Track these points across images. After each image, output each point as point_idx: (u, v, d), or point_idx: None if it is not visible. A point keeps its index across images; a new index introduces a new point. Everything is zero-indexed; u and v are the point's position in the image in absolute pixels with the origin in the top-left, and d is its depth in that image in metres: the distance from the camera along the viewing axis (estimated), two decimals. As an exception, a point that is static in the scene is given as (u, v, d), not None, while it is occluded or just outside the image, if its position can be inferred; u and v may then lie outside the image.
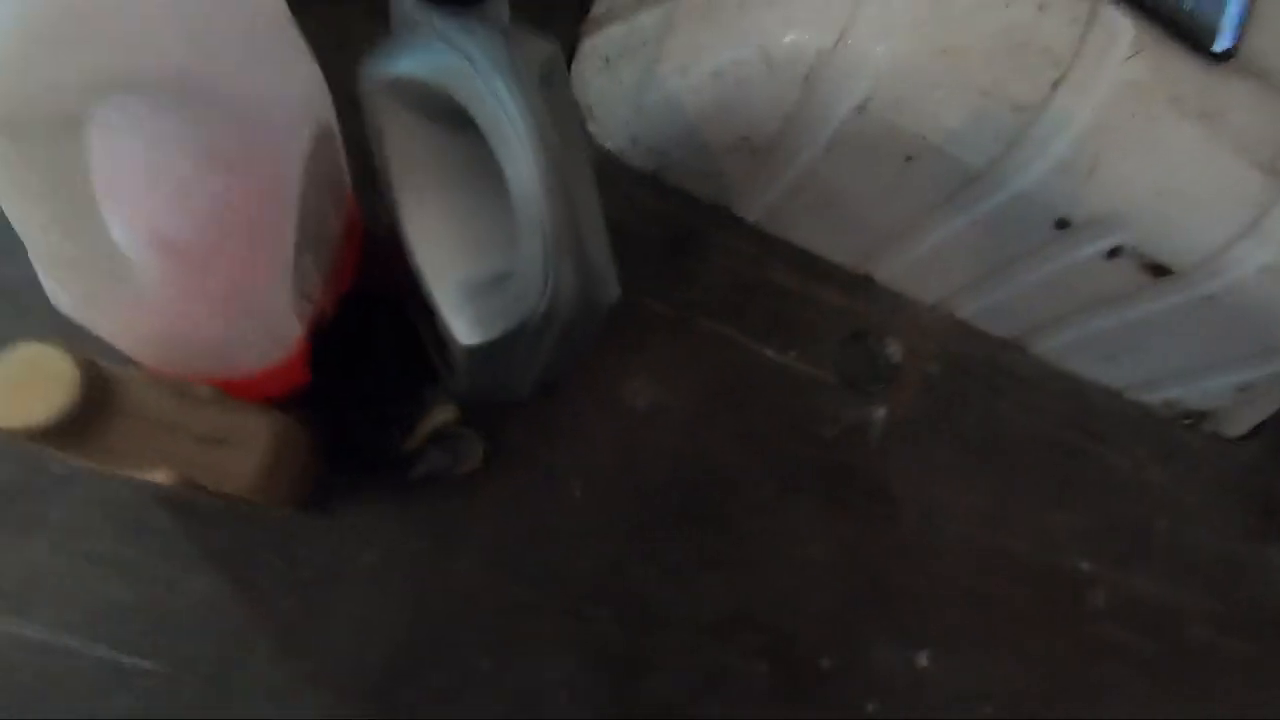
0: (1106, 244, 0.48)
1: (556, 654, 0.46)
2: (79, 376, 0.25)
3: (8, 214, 0.24)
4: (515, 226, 0.28)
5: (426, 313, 0.41)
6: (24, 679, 0.39)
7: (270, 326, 0.33)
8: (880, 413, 0.60)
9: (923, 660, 0.54)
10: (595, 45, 0.59)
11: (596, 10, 0.61)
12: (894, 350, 0.62)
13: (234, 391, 0.34)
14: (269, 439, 0.31)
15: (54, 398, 0.25)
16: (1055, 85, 0.40)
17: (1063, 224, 0.48)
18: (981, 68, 0.41)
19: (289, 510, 0.41)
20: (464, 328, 0.33)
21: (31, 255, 0.25)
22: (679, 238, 0.60)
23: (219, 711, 0.41)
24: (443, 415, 0.43)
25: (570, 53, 0.60)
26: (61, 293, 0.26)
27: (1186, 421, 0.65)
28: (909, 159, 0.48)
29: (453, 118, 0.28)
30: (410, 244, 0.33)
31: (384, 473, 0.45)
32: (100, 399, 0.26)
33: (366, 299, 0.47)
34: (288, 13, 0.29)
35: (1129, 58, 0.42)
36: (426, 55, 0.27)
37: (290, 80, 0.27)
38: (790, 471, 0.55)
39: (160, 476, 0.28)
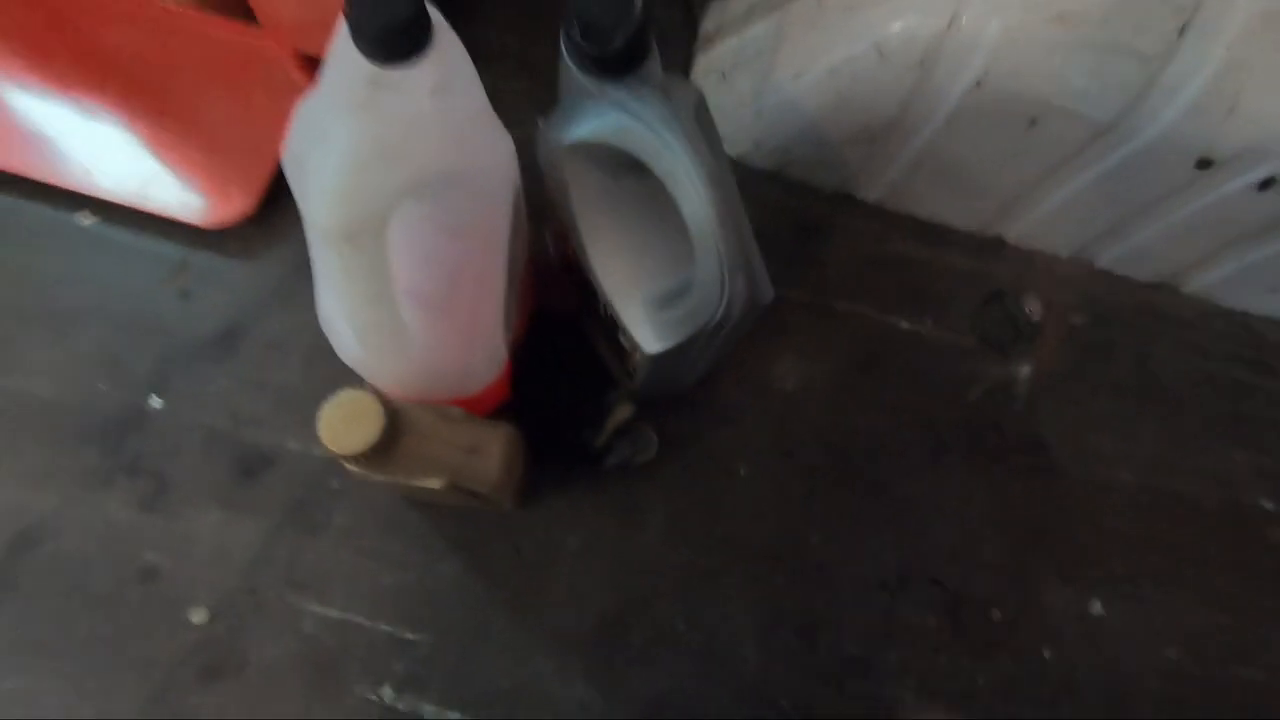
0: (1257, 176, 0.45)
1: (740, 613, 0.50)
2: (384, 410, 0.31)
3: (340, 297, 0.30)
4: (691, 250, 0.31)
5: (603, 328, 0.46)
6: (331, 651, 0.48)
7: (491, 354, 0.38)
8: (1025, 370, 0.58)
9: (1097, 608, 0.52)
10: (710, 61, 0.61)
11: (706, 28, 0.63)
12: (1033, 307, 0.60)
13: (465, 409, 0.40)
14: (505, 444, 0.37)
15: (371, 427, 0.31)
16: (1181, 31, 0.38)
17: (1204, 164, 0.45)
18: (1099, 27, 0.40)
19: (510, 505, 0.48)
20: (649, 338, 0.37)
21: (345, 324, 0.31)
22: (807, 228, 0.61)
23: (476, 673, 0.48)
24: (623, 413, 0.48)
25: (685, 70, 0.62)
26: (355, 348, 0.33)
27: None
28: (1032, 122, 0.47)
29: (624, 163, 0.32)
30: (595, 273, 0.38)
31: (580, 467, 0.51)
32: (396, 424, 0.33)
33: (547, 321, 0.52)
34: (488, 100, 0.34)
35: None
36: (601, 119, 0.31)
37: (498, 155, 0.32)
38: (939, 435, 0.55)
39: (434, 482, 0.35)
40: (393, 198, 0.26)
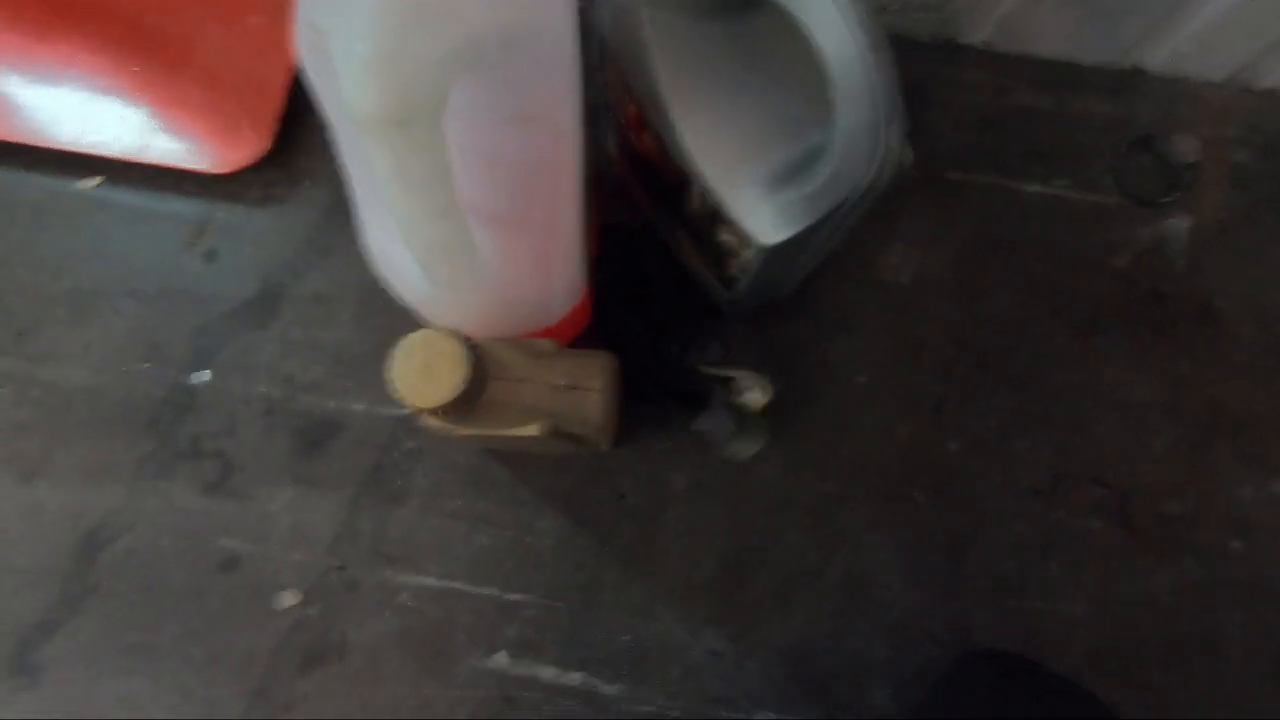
0: None
1: (879, 541, 0.44)
2: (466, 350, 0.25)
3: (397, 214, 0.24)
4: (831, 96, 0.24)
5: (692, 228, 0.38)
6: (435, 622, 0.44)
7: (570, 274, 0.32)
8: (1182, 224, 0.49)
9: (1288, 488, 0.45)
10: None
11: None
12: (1186, 148, 0.50)
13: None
14: (606, 374, 0.31)
15: (455, 373, 0.25)
16: None
17: None
18: None
19: (608, 447, 0.42)
20: (766, 227, 0.29)
21: (409, 248, 0.25)
22: (907, 89, 0.52)
23: (593, 630, 0.43)
24: (754, 398, 0.40)
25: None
26: (417, 281, 0.27)
27: None
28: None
29: (712, 8, 0.24)
30: (689, 154, 0.30)
31: (674, 400, 0.45)
32: (482, 367, 0.27)
33: (618, 236, 0.45)
34: None
35: None
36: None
37: (563, 18, 0.24)
38: (1089, 313, 0.47)
39: (532, 429, 0.29)
40: (445, 65, 0.19)
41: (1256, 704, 0.42)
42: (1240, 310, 0.47)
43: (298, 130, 0.49)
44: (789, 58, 0.28)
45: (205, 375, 0.47)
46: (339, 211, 0.49)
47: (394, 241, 0.25)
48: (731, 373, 0.44)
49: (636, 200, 0.45)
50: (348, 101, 0.19)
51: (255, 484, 0.45)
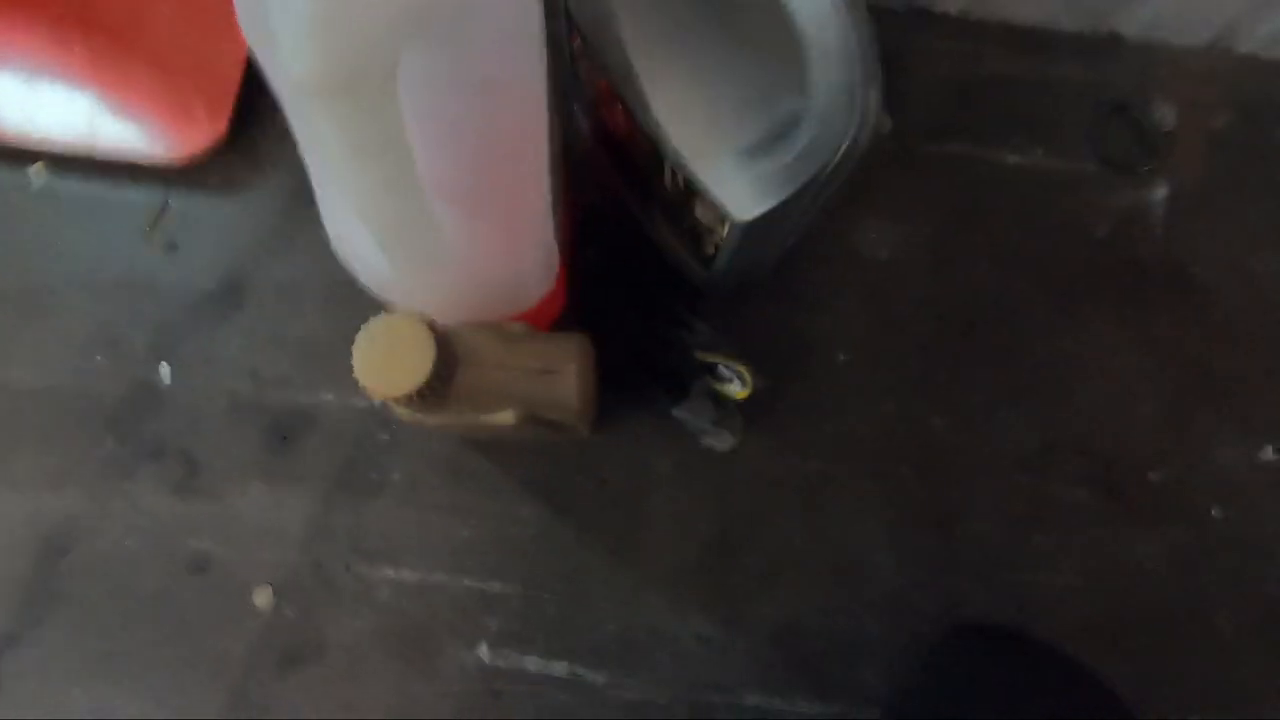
0: None
1: (865, 519, 0.44)
2: (433, 335, 0.24)
3: (349, 184, 0.22)
4: (804, 62, 0.23)
5: (668, 206, 0.37)
6: (415, 617, 0.43)
7: (542, 254, 0.31)
8: (1161, 191, 0.49)
9: (1269, 453, 0.45)
10: None
11: None
12: (1164, 114, 0.50)
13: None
14: (581, 358, 0.30)
15: (422, 359, 0.24)
16: None
17: None
18: None
19: (587, 433, 0.41)
20: (743, 201, 0.28)
21: (366, 228, 0.24)
22: (881, 60, 0.51)
23: (579, 619, 0.42)
24: (733, 389, 0.39)
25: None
26: (379, 263, 0.25)
27: None
28: None
29: None
30: (661, 127, 0.29)
31: (657, 383, 0.44)
32: (450, 352, 0.25)
33: (596, 217, 0.44)
34: None
35: None
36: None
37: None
38: (1069, 282, 0.47)
39: (506, 416, 0.28)
40: (392, 30, 0.18)
41: (1244, 668, 0.42)
42: (1219, 276, 0.47)
43: (257, 113, 0.47)
44: (762, 23, 0.27)
45: (167, 373, 0.45)
46: (303, 198, 0.47)
47: (352, 221, 0.24)
48: (717, 359, 0.43)
49: (611, 180, 0.44)
50: (287, 67, 0.17)
51: (224, 482, 0.44)
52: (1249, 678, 0.42)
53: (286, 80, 0.18)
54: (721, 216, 0.31)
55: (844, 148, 0.25)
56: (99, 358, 0.45)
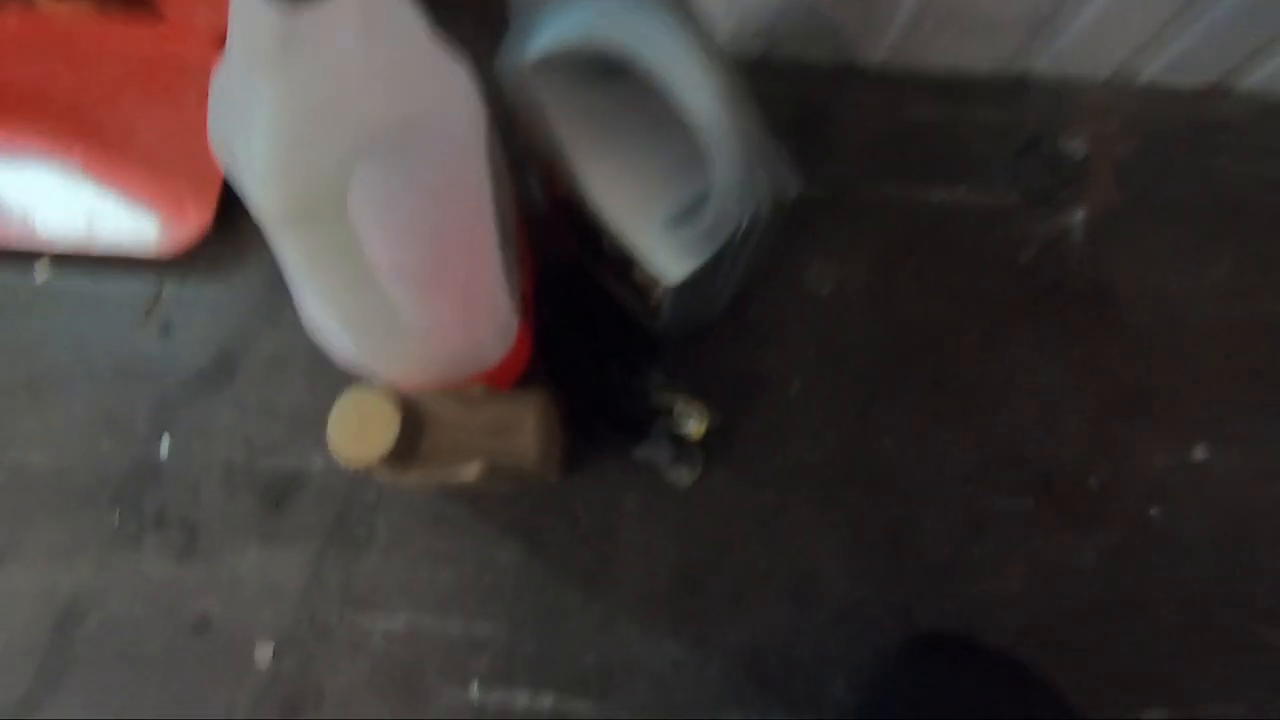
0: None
1: (821, 542, 0.47)
2: (396, 406, 0.28)
3: (315, 292, 0.26)
4: (704, 150, 0.27)
5: (614, 267, 0.41)
6: (406, 660, 0.46)
7: (499, 321, 0.34)
8: (1078, 216, 0.53)
9: (1200, 453, 0.48)
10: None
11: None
12: (1075, 145, 0.54)
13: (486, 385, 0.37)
14: (537, 415, 0.33)
15: (387, 429, 0.28)
16: None
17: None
18: None
19: (556, 476, 0.44)
20: (670, 265, 0.32)
21: (332, 321, 0.27)
22: (809, 113, 0.56)
23: (560, 653, 0.45)
24: (694, 426, 0.43)
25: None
26: (348, 345, 0.29)
27: None
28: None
29: (599, 71, 0.27)
30: (596, 204, 0.33)
31: (614, 431, 0.47)
32: (414, 420, 0.29)
33: (555, 274, 0.48)
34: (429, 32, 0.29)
35: None
36: (564, 21, 0.26)
37: (455, 90, 0.27)
38: (997, 309, 0.51)
39: (471, 472, 0.31)
40: (342, 163, 0.22)
41: (1184, 658, 0.45)
42: (1136, 293, 0.51)
43: (237, 203, 0.52)
44: (673, 110, 0.31)
45: (166, 447, 0.49)
46: (283, 279, 0.51)
47: (321, 311, 0.28)
48: (673, 401, 0.46)
49: (566, 240, 0.48)
50: (254, 205, 0.21)
51: (222, 546, 0.47)
52: (1188, 667, 0.45)
53: (257, 209, 0.22)
54: (654, 278, 0.35)
55: (745, 219, 0.29)
56: (103, 438, 0.49)
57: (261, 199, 0.21)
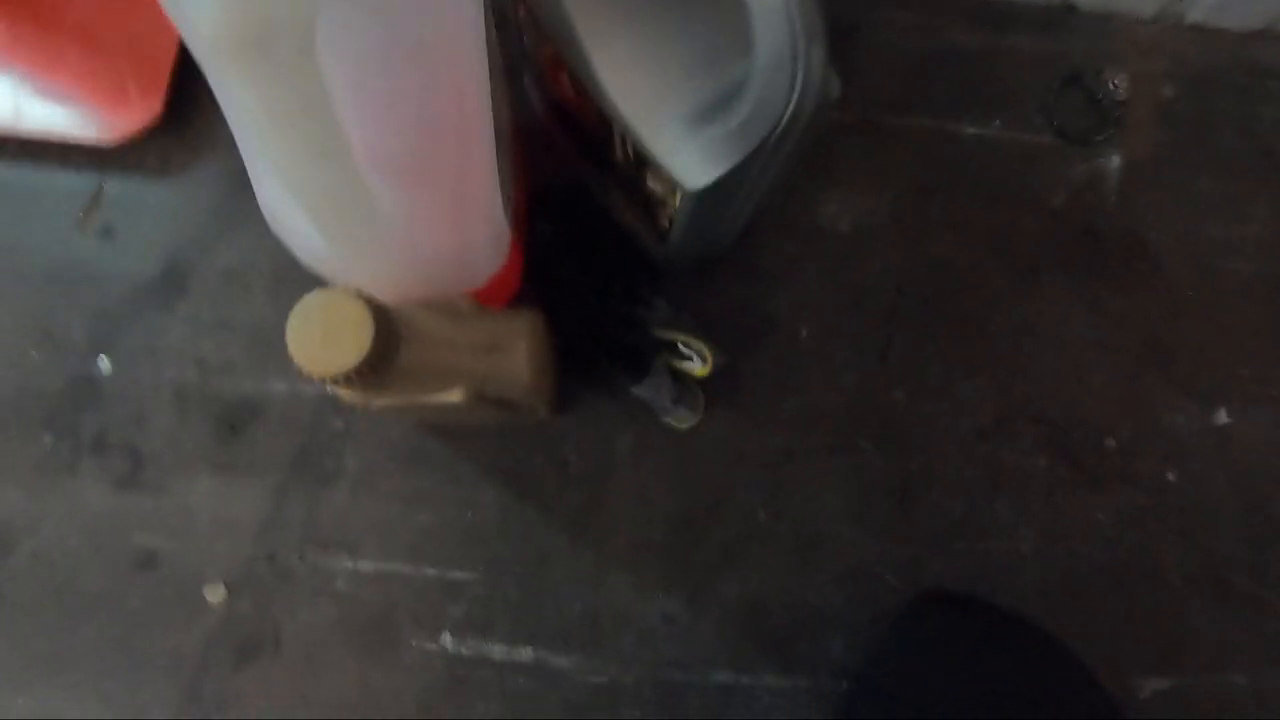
0: None
1: (828, 493, 0.44)
2: (370, 310, 0.23)
3: (271, 152, 0.21)
4: (748, 24, 0.22)
5: (622, 178, 0.37)
6: (374, 607, 0.42)
7: (491, 229, 0.30)
8: (1114, 161, 0.49)
9: (1222, 417, 0.46)
10: None
11: None
12: (1117, 84, 0.50)
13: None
14: (531, 334, 0.29)
15: (359, 338, 0.23)
16: None
17: None
18: None
19: (545, 412, 0.41)
20: (692, 168, 0.28)
21: (294, 204, 0.23)
22: (837, 31, 0.51)
23: (543, 603, 0.42)
24: (689, 343, 0.39)
25: None
26: (312, 236, 0.24)
27: None
28: None
29: None
30: (609, 98, 0.28)
31: (615, 362, 0.43)
32: (391, 330, 0.25)
33: (548, 193, 0.43)
34: None
35: None
36: None
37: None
38: (1026, 253, 0.47)
39: (455, 395, 0.27)
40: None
41: (1194, 619, 0.43)
42: (1171, 244, 0.48)
43: (194, 94, 0.46)
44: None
45: (106, 364, 0.43)
46: (246, 180, 0.46)
47: (284, 194, 0.23)
48: (677, 336, 0.42)
49: (565, 153, 0.43)
50: (194, 21, 0.16)
51: (170, 475, 0.42)
52: (1200, 630, 0.43)
53: (198, 40, 0.17)
54: (673, 186, 0.31)
55: (790, 110, 0.25)
56: (33, 352, 0.43)
57: (206, 18, 0.16)
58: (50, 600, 0.41)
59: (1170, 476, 0.45)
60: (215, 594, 0.41)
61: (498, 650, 0.42)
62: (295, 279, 0.36)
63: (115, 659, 0.40)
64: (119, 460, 0.42)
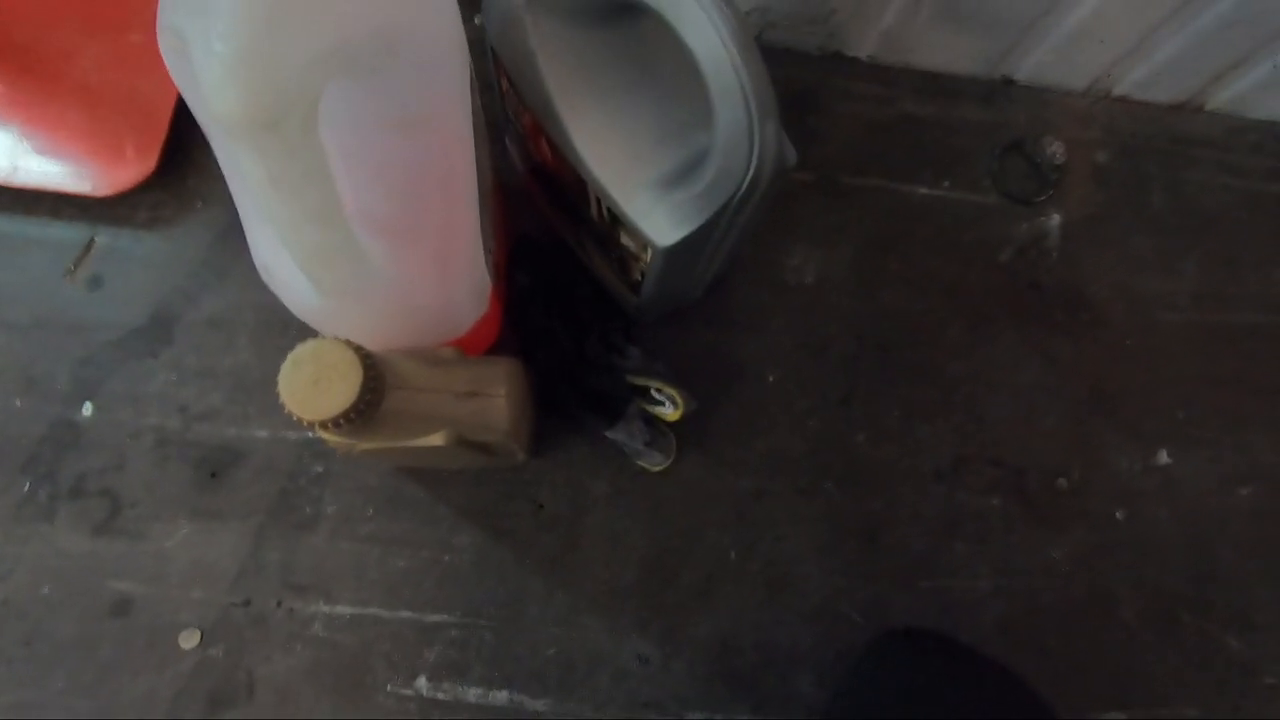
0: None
1: (794, 533, 0.46)
2: (359, 358, 0.25)
3: (272, 214, 0.23)
4: (697, 108, 0.25)
5: (597, 235, 0.39)
6: (350, 651, 0.43)
7: (473, 283, 0.32)
8: (1055, 220, 0.53)
9: (1163, 458, 0.49)
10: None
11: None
12: (1054, 150, 0.55)
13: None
14: (511, 381, 0.31)
15: (347, 385, 0.25)
16: None
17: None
18: None
19: (523, 456, 0.42)
20: (661, 228, 0.30)
21: (291, 258, 0.24)
22: (799, 98, 0.55)
23: (518, 646, 0.43)
24: (669, 411, 0.41)
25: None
26: (306, 292, 0.26)
27: None
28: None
29: (593, 17, 0.25)
30: (584, 162, 0.31)
31: (589, 409, 0.45)
32: (377, 376, 0.26)
33: (527, 246, 0.46)
34: None
35: None
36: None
37: (440, 9, 0.25)
38: (978, 304, 0.51)
39: (437, 439, 0.29)
40: (313, 65, 0.19)
41: (1148, 655, 0.45)
42: (1110, 296, 0.52)
43: (186, 150, 0.48)
44: (674, 62, 0.30)
45: (89, 410, 0.44)
46: (234, 233, 0.48)
47: (279, 251, 0.25)
48: (649, 382, 0.45)
49: (544, 210, 0.46)
50: (209, 104, 0.18)
51: (148, 521, 0.43)
52: (1152, 664, 0.45)
53: (209, 116, 0.20)
54: (644, 243, 0.33)
55: (749, 176, 0.28)
56: (16, 396, 0.44)
57: (218, 96, 0.18)
58: (19, 648, 0.41)
59: (1119, 515, 0.48)
60: (189, 640, 0.41)
61: (473, 693, 0.42)
62: (280, 328, 0.38)
63: (84, 708, 0.40)
64: (97, 506, 0.43)
